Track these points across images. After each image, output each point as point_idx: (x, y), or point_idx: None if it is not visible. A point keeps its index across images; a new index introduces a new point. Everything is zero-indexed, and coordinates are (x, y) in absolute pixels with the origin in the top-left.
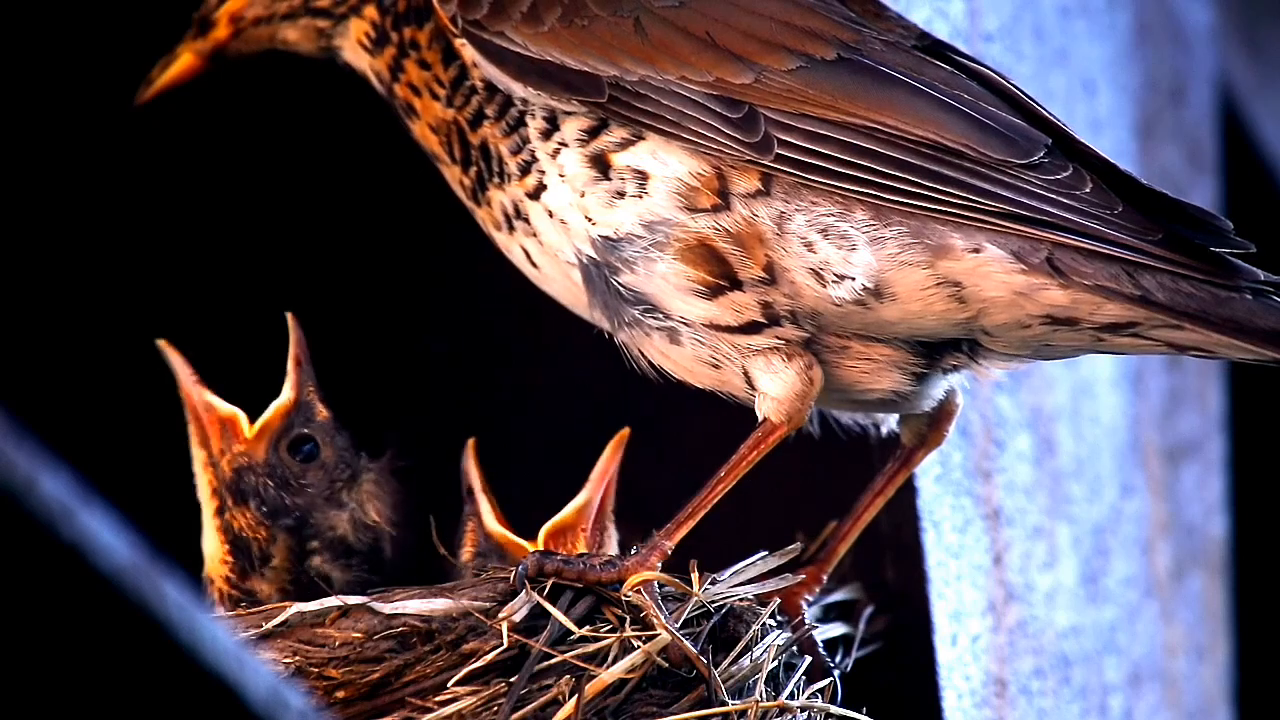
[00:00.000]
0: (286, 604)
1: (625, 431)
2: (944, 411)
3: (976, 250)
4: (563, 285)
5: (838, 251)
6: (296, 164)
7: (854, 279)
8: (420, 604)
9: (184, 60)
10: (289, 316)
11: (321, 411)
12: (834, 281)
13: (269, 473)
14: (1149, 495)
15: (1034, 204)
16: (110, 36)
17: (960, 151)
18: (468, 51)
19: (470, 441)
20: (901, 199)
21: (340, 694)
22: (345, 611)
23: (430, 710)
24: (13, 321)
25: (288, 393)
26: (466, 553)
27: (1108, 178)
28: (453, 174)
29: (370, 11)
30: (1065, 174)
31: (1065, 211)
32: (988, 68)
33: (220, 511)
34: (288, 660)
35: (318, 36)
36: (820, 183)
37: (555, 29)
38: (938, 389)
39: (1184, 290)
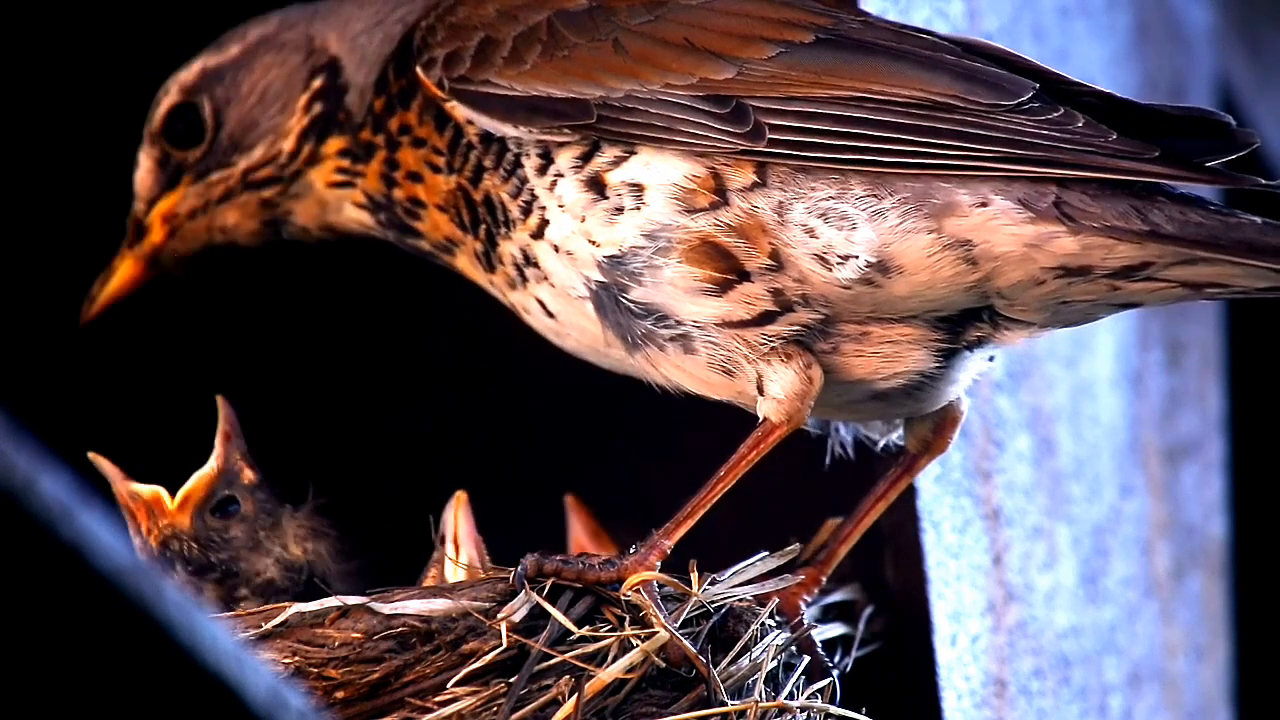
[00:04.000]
0: (286, 604)
1: (462, 494)
2: (949, 418)
3: (984, 204)
4: (580, 330)
5: (839, 233)
6: None
7: (857, 257)
8: (420, 604)
9: (125, 270)
10: (219, 399)
11: (248, 475)
12: (838, 263)
13: (193, 537)
14: (1149, 495)
15: (1030, 141)
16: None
17: (949, 104)
18: (459, 111)
19: (459, 494)
20: (899, 160)
21: (340, 694)
22: (345, 612)
23: (430, 710)
24: (13, 321)
25: (212, 463)
26: None
27: (1101, 113)
28: (466, 250)
29: (336, 143)
30: (1056, 114)
31: (1061, 144)
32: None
33: None
34: (287, 660)
35: (261, 209)
36: (816, 159)
37: (538, 65)
38: (963, 372)
39: (1193, 220)
